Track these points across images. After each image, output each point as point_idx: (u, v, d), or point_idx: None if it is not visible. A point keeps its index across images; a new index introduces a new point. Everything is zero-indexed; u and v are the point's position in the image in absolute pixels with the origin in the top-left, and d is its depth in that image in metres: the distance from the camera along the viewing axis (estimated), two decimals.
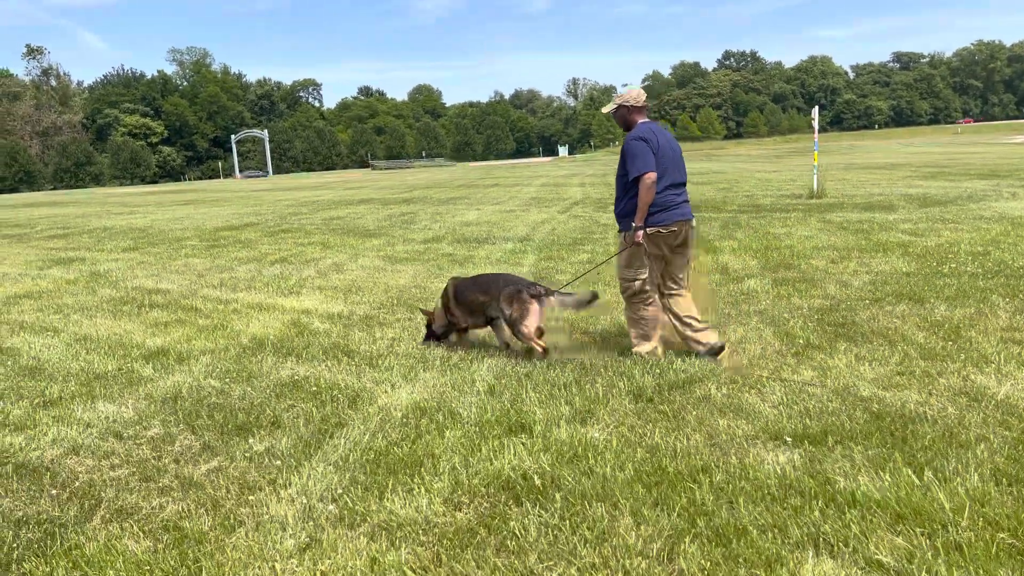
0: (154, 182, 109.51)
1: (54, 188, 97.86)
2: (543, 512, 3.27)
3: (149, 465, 4.01)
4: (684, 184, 5.55)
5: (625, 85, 5.55)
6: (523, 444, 3.99)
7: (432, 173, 70.33)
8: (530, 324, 5.50)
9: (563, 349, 5.76)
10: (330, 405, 4.80)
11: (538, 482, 3.54)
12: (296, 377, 5.42)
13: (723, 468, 3.56)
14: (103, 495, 3.67)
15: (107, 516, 3.47)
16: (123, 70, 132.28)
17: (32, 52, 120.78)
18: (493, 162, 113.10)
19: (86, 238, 17.83)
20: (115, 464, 4.04)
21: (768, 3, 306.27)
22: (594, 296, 5.63)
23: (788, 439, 3.83)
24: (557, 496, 3.39)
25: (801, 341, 5.64)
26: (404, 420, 4.48)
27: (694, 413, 4.29)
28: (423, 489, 3.54)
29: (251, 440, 4.26)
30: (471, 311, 5.95)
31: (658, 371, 5.07)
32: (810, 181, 24.83)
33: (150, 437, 4.40)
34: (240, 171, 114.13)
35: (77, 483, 3.82)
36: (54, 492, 3.73)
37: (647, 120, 5.48)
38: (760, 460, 3.62)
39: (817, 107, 19.12)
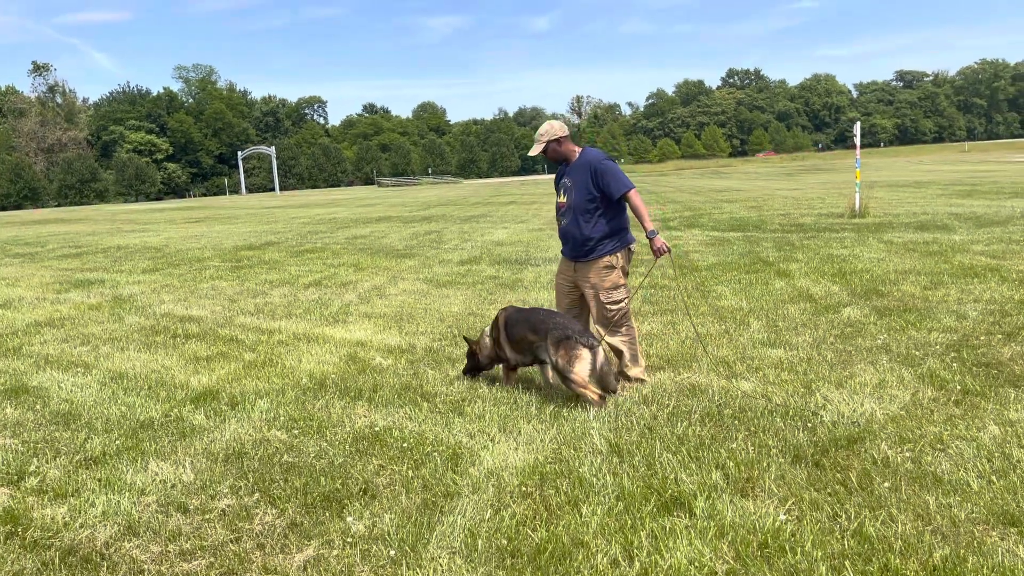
0: (159, 199, 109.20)
1: (58, 205, 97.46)
2: None
3: (228, 552, 3.25)
4: None
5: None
6: (688, 528, 3.24)
7: (442, 190, 69.78)
8: (580, 371, 4.84)
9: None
10: (427, 466, 4.05)
11: None
12: (376, 428, 4.66)
13: (974, 570, 2.80)
14: None
15: None
16: (129, 87, 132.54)
17: (38, 69, 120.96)
18: (503, 179, 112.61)
19: (101, 257, 17.11)
20: (186, 551, 3.28)
21: (772, 22, 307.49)
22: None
23: None
24: None
25: (957, 386, 4.88)
26: (524, 489, 3.72)
27: (884, 484, 3.53)
28: None
29: (347, 517, 3.50)
30: (520, 348, 5.29)
31: (810, 424, 4.32)
32: (841, 199, 24.25)
33: (221, 511, 3.64)
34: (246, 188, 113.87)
35: None
36: None
37: (581, 146, 5.51)
38: (1016, 558, 2.86)
39: (858, 123, 18.47)
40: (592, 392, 4.83)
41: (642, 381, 5.35)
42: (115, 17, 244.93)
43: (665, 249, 5.13)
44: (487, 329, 5.63)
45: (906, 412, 4.50)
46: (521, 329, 5.26)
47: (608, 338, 5.32)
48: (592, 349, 4.88)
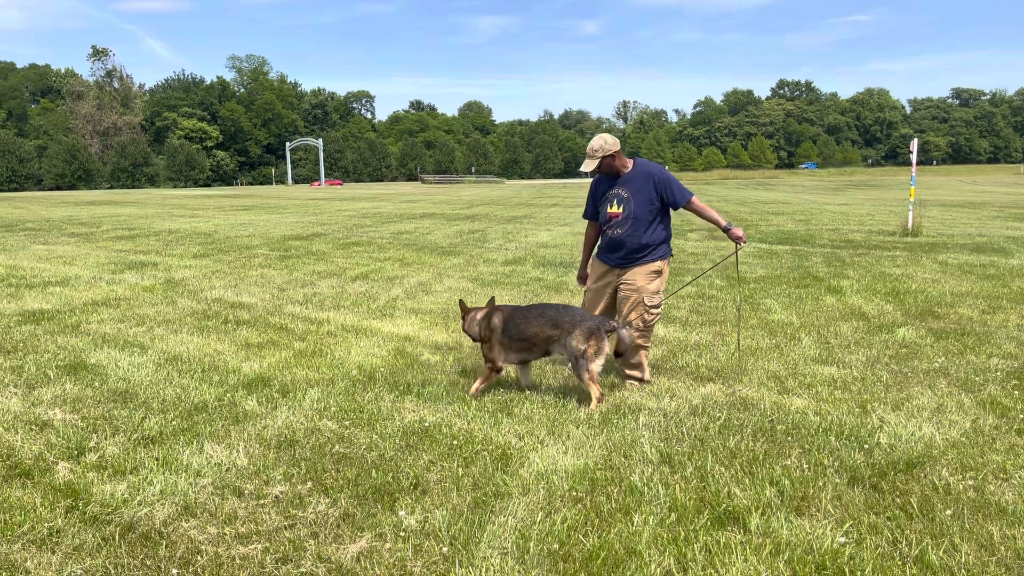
0: (207, 185, 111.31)
1: (111, 187, 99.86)
2: None
3: (283, 538, 3.29)
4: None
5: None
6: (742, 544, 3.19)
7: (484, 190, 70.02)
8: (599, 365, 5.03)
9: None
10: (477, 465, 4.06)
11: None
12: (425, 424, 4.69)
13: None
14: None
15: None
16: (184, 75, 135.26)
17: (98, 53, 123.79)
18: (545, 181, 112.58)
19: (153, 241, 17.50)
20: (241, 534, 3.33)
21: (826, 34, 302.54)
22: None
23: None
24: None
25: (1020, 415, 4.74)
26: (574, 494, 3.71)
27: (946, 512, 3.44)
28: None
29: (399, 511, 3.53)
30: (528, 345, 5.21)
31: (866, 446, 4.24)
32: (891, 216, 23.78)
33: (275, 496, 3.69)
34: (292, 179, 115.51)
35: (201, 560, 3.12)
36: (175, 573, 3.03)
37: (632, 158, 5.65)
38: None
39: (915, 140, 18.06)
40: (598, 389, 5.00)
41: (642, 381, 5.52)
42: (172, 6, 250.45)
43: (745, 238, 5.61)
44: (475, 316, 5.44)
45: (967, 439, 4.39)
46: (535, 325, 5.17)
47: (638, 340, 5.44)
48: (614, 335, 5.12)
